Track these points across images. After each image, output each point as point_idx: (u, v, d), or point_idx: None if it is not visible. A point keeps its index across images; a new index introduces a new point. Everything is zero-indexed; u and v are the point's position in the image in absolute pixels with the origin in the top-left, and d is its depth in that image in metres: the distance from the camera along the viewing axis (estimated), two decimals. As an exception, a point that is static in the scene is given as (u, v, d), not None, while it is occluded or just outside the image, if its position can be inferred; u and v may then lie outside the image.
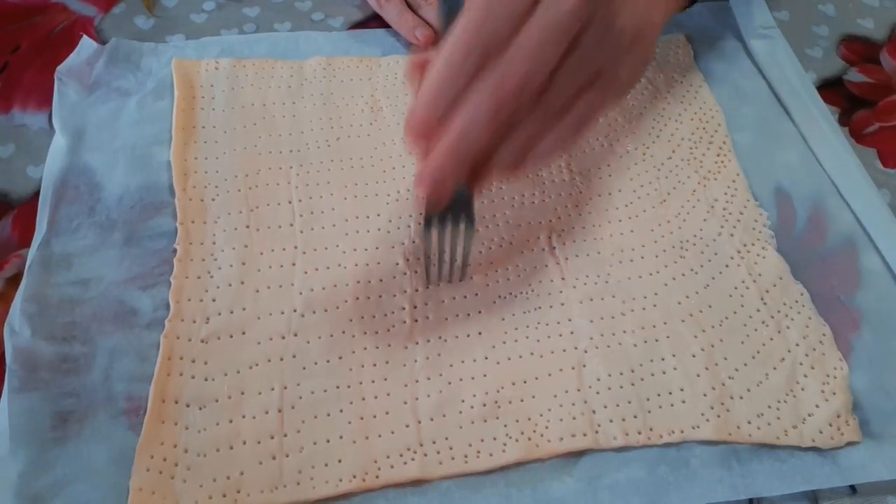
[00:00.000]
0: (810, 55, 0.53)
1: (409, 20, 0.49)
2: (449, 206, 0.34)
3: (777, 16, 0.54)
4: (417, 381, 0.36)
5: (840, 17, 0.56)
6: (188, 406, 0.34)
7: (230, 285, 0.38)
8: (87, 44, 0.47)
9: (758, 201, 0.44)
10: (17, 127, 0.45)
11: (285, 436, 0.34)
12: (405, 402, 0.35)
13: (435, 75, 0.31)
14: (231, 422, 0.34)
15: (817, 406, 0.36)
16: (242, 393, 0.35)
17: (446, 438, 0.34)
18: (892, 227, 0.42)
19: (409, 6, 0.51)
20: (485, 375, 0.36)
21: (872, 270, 0.41)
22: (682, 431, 0.35)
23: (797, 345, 0.38)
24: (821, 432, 0.35)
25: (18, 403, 0.33)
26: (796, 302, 0.39)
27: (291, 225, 0.41)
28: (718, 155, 0.45)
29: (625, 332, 0.38)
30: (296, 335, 0.37)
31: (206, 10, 0.53)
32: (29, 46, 0.50)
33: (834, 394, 0.36)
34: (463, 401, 0.35)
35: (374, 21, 0.52)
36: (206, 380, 0.35)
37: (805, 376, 0.37)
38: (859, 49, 0.54)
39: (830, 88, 0.51)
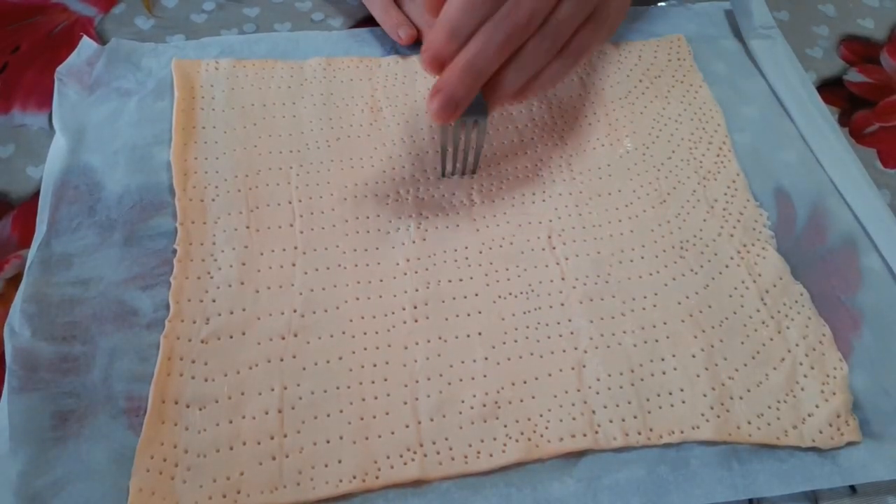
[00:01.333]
0: (810, 55, 0.53)
1: (394, 17, 0.49)
2: (464, 113, 0.38)
3: (777, 16, 0.54)
4: (417, 382, 0.36)
5: (840, 17, 0.56)
6: (188, 406, 0.34)
7: (230, 286, 0.38)
8: (87, 44, 0.47)
9: (758, 201, 0.43)
10: (17, 127, 0.45)
11: (285, 436, 0.34)
12: (405, 403, 0.35)
13: (452, 12, 0.36)
14: (231, 422, 0.34)
15: (817, 406, 0.36)
16: (242, 393, 0.35)
17: (446, 439, 0.34)
18: (892, 227, 0.42)
19: (396, 1, 0.50)
20: (485, 375, 0.36)
21: (873, 270, 0.41)
22: (681, 432, 0.35)
23: (797, 345, 0.38)
24: (821, 432, 0.35)
25: (18, 403, 0.33)
26: (796, 302, 0.39)
27: (291, 225, 0.41)
28: (718, 155, 0.45)
29: (625, 332, 0.38)
30: (296, 335, 0.37)
31: (206, 10, 0.53)
32: (29, 46, 0.50)
33: (834, 394, 0.36)
34: (463, 401, 0.35)
35: (373, 21, 0.52)
36: (206, 380, 0.35)
37: (805, 376, 0.37)
38: (859, 49, 0.54)
39: (830, 88, 0.51)
